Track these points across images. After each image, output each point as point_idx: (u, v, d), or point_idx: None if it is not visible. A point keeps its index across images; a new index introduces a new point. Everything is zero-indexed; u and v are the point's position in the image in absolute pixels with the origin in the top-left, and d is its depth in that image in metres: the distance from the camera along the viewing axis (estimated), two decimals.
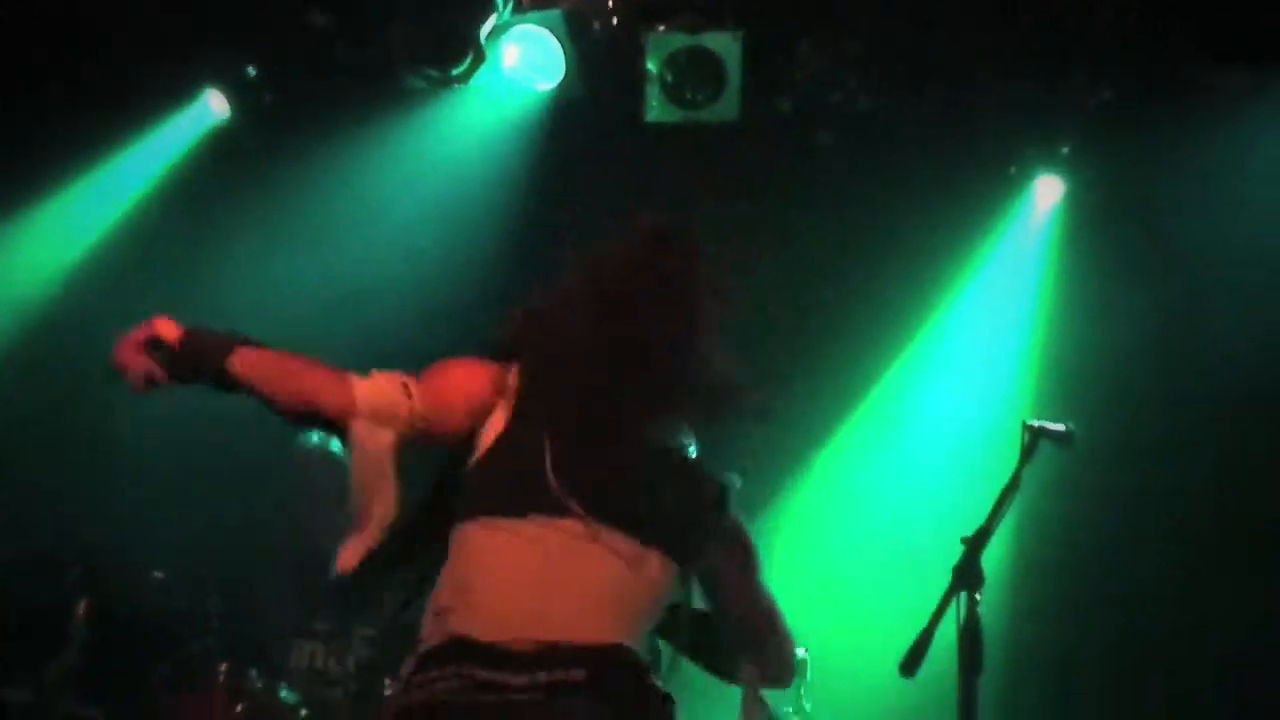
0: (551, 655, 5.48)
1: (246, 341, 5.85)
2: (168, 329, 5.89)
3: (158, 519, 9.36)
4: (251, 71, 10.27)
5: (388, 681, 8.80)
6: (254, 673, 8.73)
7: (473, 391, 5.90)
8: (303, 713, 8.69)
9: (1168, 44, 9.37)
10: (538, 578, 5.54)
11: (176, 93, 10.39)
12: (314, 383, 5.95)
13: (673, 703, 5.70)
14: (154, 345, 5.88)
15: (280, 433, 9.15)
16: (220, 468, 9.63)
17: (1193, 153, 9.48)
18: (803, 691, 9.38)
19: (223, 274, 10.05)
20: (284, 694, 8.72)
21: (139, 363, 5.84)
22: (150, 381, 5.86)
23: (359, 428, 5.87)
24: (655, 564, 5.50)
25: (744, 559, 5.70)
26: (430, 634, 5.64)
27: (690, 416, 5.80)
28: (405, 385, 5.99)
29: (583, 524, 5.49)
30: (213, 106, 10.36)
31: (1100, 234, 9.93)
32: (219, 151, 10.40)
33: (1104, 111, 9.54)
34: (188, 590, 9.04)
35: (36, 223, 10.36)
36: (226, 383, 5.84)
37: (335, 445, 9.18)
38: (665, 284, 5.84)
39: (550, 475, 5.55)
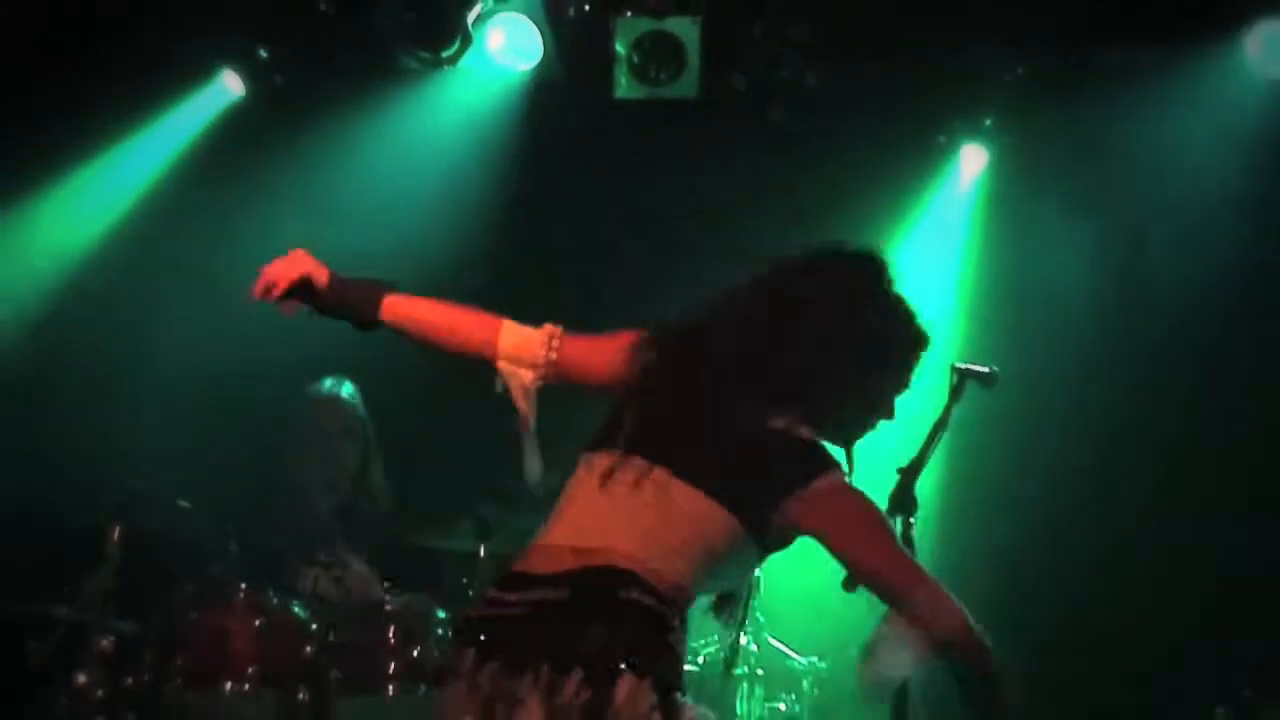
0: (557, 577, 5.52)
1: (393, 288, 6.12)
2: (315, 269, 6.17)
3: (184, 455, 9.35)
4: (264, 54, 10.23)
5: (389, 601, 8.84)
6: (270, 591, 8.73)
7: (616, 362, 5.98)
8: (312, 627, 8.67)
9: (1078, 23, 9.38)
10: (586, 501, 5.62)
11: (195, 73, 10.36)
12: (463, 331, 6.14)
13: (661, 639, 5.48)
14: (301, 282, 6.09)
15: (293, 379, 9.16)
16: (240, 411, 9.66)
17: (1104, 124, 9.54)
18: (756, 609, 9.40)
19: (238, 236, 10.00)
20: (297, 610, 8.72)
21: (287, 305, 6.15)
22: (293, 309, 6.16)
23: (501, 366, 6.14)
24: (703, 505, 5.45)
25: (848, 524, 5.45)
26: None
27: (807, 415, 5.60)
28: (551, 339, 6.13)
29: (645, 462, 5.53)
30: (228, 86, 10.33)
31: (1020, 197, 9.98)
32: (234, 126, 10.37)
33: (1022, 86, 9.58)
34: (210, 519, 9.03)
35: (72, 192, 10.33)
36: (371, 324, 6.15)
37: (344, 390, 9.19)
38: (800, 306, 5.77)
39: (631, 423, 5.65)
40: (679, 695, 5.45)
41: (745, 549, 5.58)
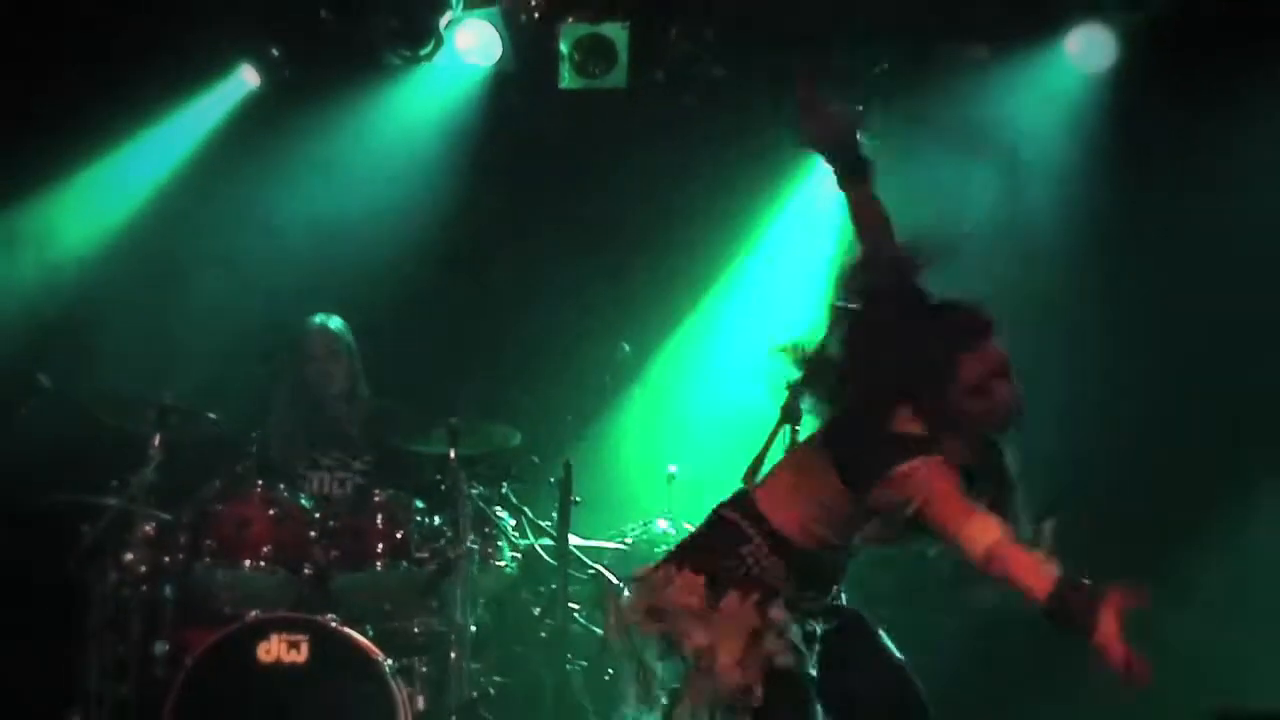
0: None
1: None
2: None
3: (213, 376, 9.36)
4: (275, 51, 10.23)
5: (377, 493, 8.91)
6: (282, 487, 8.86)
7: None
8: (315, 515, 8.79)
9: (927, 26, 9.46)
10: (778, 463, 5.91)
11: (217, 67, 10.30)
12: None
13: (731, 549, 5.67)
14: None
15: (302, 310, 9.21)
16: (258, 339, 9.57)
17: (950, 106, 9.61)
18: (675, 498, 9.46)
19: (254, 208, 10.14)
20: (303, 502, 8.87)
21: None
22: None
23: None
24: (832, 477, 5.49)
25: (924, 507, 5.33)
26: None
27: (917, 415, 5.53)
28: None
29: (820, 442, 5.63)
30: (246, 78, 10.32)
31: (887, 178, 9.99)
32: (250, 113, 10.34)
33: (882, 78, 9.60)
34: (233, 429, 9.12)
35: (113, 168, 10.31)
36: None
37: (333, 323, 9.31)
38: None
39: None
40: (732, 591, 5.57)
41: (857, 511, 5.57)
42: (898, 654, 5.86)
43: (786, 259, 10.09)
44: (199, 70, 10.27)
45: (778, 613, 5.60)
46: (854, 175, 6.22)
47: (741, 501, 5.80)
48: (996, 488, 5.62)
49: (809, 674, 5.67)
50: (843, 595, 6.00)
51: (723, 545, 5.72)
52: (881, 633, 5.92)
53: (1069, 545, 5.18)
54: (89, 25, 9.83)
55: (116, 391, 9.15)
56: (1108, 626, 4.91)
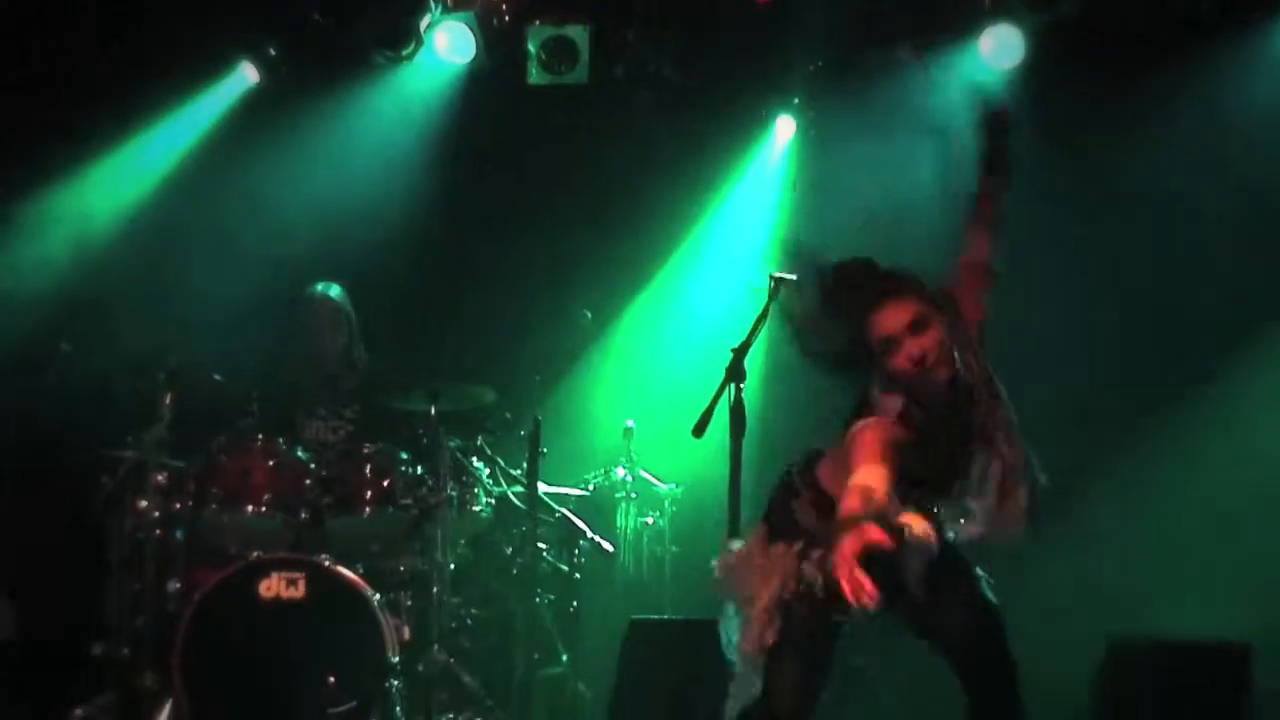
0: None
1: None
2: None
3: (218, 339, 9.33)
4: (273, 51, 10.21)
5: (366, 446, 8.94)
6: (280, 440, 8.85)
7: None
8: (311, 466, 8.80)
9: (857, 27, 9.47)
10: None
11: (220, 65, 10.26)
12: None
13: (785, 503, 5.61)
14: None
15: (298, 282, 9.23)
16: (260, 305, 9.60)
17: (876, 103, 9.61)
18: (631, 449, 9.50)
19: (253, 194, 10.12)
20: (300, 453, 8.86)
21: None
22: None
23: None
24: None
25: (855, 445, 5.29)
26: None
27: None
28: None
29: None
30: (246, 75, 10.28)
31: (817, 156, 10.01)
32: (250, 106, 10.32)
33: (819, 75, 9.63)
34: (237, 388, 9.13)
35: (125, 158, 10.28)
36: None
37: (333, 291, 9.34)
38: None
39: None
40: (781, 541, 5.52)
41: None
42: (992, 600, 5.73)
43: (730, 238, 10.14)
44: (205, 67, 10.24)
45: (811, 567, 5.48)
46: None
47: (806, 460, 5.72)
48: (948, 449, 5.52)
49: (830, 627, 5.59)
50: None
51: (781, 499, 5.67)
52: (981, 575, 5.78)
53: None
54: (109, 28, 9.79)
55: (130, 355, 9.16)
56: (846, 548, 4.83)
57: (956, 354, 5.47)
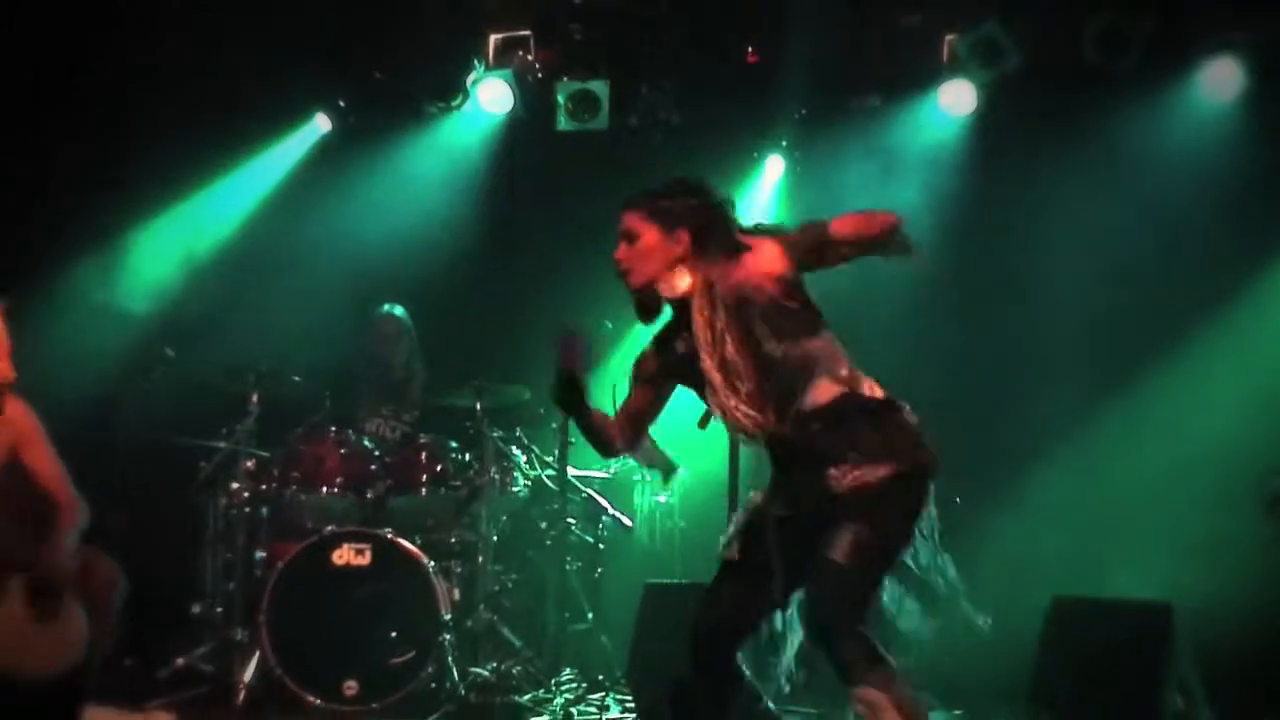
0: None
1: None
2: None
3: (298, 348, 9.31)
4: (341, 103, 10.22)
5: (421, 437, 8.97)
6: (350, 432, 8.88)
7: None
8: (376, 453, 8.82)
9: (835, 81, 9.42)
10: None
11: (298, 115, 10.27)
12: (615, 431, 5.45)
13: None
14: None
15: (367, 303, 9.24)
16: (333, 319, 9.62)
17: (853, 144, 9.53)
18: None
19: (327, 224, 10.10)
20: (366, 443, 8.88)
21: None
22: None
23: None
24: None
25: None
26: None
27: None
28: None
29: None
30: (320, 124, 10.30)
31: (801, 192, 9.95)
32: (324, 150, 10.34)
33: (804, 121, 9.59)
34: (313, 388, 9.10)
35: (221, 193, 10.26)
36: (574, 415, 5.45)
37: (397, 310, 9.36)
38: None
39: None
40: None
41: None
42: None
43: None
44: (285, 117, 10.25)
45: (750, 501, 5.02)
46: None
47: None
48: None
49: (729, 560, 5.02)
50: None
51: None
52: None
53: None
54: (210, 85, 9.76)
55: (224, 361, 9.14)
56: None
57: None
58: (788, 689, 5.19)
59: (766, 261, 4.76)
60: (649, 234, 5.21)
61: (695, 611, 5.09)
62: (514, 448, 9.11)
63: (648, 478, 9.53)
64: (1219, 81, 8.67)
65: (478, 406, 8.89)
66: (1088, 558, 8.18)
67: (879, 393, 4.89)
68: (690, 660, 5.05)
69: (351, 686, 8.14)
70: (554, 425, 8.98)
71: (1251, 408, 8.27)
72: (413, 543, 8.38)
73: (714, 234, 5.01)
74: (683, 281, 5.09)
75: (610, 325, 9.56)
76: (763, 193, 10.12)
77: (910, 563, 4.94)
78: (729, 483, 7.76)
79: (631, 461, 9.46)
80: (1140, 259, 8.71)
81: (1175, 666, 7.06)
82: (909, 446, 4.82)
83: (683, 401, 5.62)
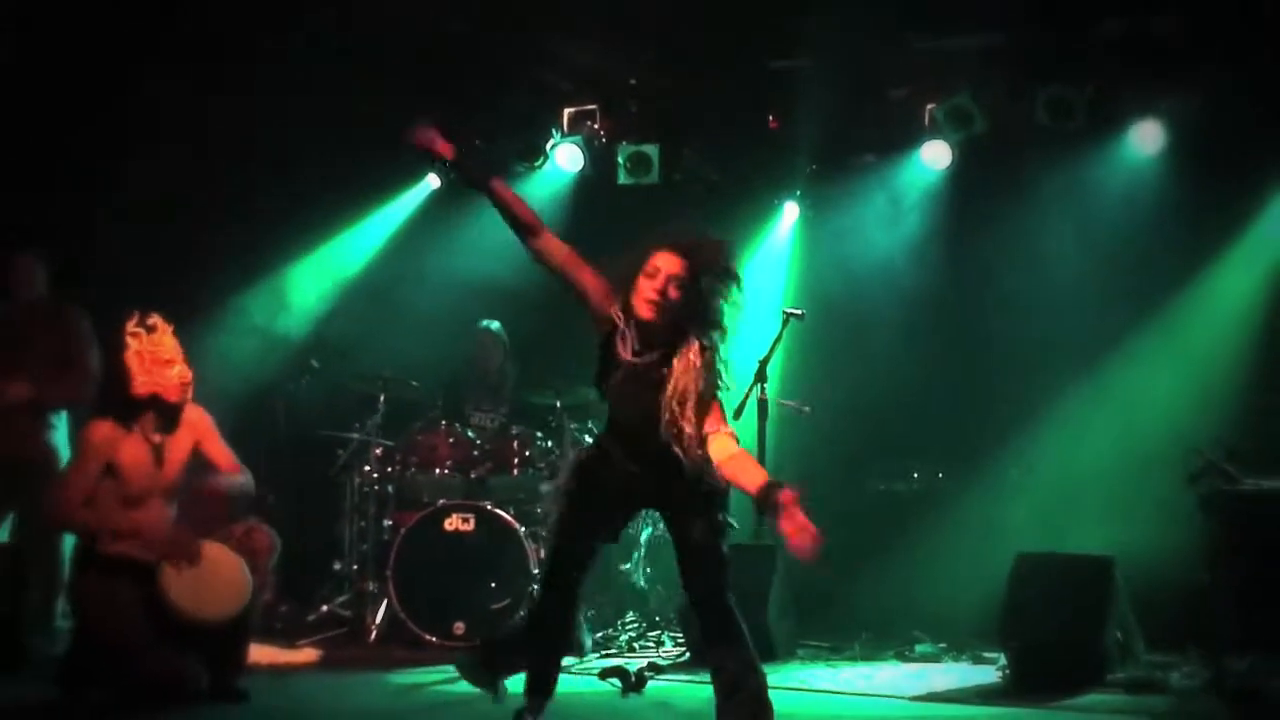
0: None
1: (500, 178, 5.37)
2: (446, 148, 5.34)
3: (415, 358, 9.35)
4: (445, 164, 10.15)
5: (514, 429, 8.91)
6: (457, 425, 8.88)
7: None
8: (477, 442, 8.79)
9: (838, 143, 9.38)
10: None
11: (414, 175, 10.25)
12: (531, 214, 5.45)
13: None
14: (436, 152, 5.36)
15: (470, 320, 9.21)
16: (442, 335, 9.58)
17: (855, 192, 9.46)
18: None
19: (438, 258, 10.08)
20: (469, 434, 8.85)
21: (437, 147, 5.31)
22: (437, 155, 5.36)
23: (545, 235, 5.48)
24: None
25: None
26: None
27: None
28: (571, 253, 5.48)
29: None
30: (430, 182, 10.25)
31: (811, 232, 9.89)
32: (434, 202, 10.31)
33: (814, 175, 9.54)
34: (428, 390, 9.15)
35: (349, 241, 10.27)
36: (480, 187, 5.37)
37: (493, 325, 9.31)
38: None
39: None
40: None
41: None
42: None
43: (753, 286, 10.00)
44: (403, 177, 10.24)
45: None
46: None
47: None
48: None
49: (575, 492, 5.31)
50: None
51: None
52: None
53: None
54: (351, 153, 9.72)
55: (357, 370, 9.17)
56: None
57: None
58: None
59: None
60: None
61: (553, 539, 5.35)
62: (586, 436, 9.05)
63: None
64: (1145, 138, 8.65)
65: (557, 404, 8.92)
66: (1046, 521, 8.11)
67: None
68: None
69: (459, 627, 8.17)
70: None
71: (1181, 397, 8.23)
72: (507, 513, 8.38)
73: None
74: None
75: None
76: (781, 233, 10.04)
77: None
78: (758, 458, 7.71)
79: None
80: (1087, 278, 8.70)
81: (1115, 607, 7.05)
82: None
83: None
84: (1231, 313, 8.42)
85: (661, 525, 9.26)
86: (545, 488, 8.63)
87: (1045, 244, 8.83)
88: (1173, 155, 8.59)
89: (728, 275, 5.17)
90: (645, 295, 5.16)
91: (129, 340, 6.30)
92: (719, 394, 5.06)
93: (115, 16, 8.96)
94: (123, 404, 6.30)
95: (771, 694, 5.04)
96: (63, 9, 9.00)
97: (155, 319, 6.36)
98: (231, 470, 6.49)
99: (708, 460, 4.96)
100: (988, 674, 7.25)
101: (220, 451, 6.51)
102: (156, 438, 6.32)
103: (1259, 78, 8.07)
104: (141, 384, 6.27)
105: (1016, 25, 8.57)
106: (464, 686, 6.40)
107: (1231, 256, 8.50)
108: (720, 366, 5.10)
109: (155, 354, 6.29)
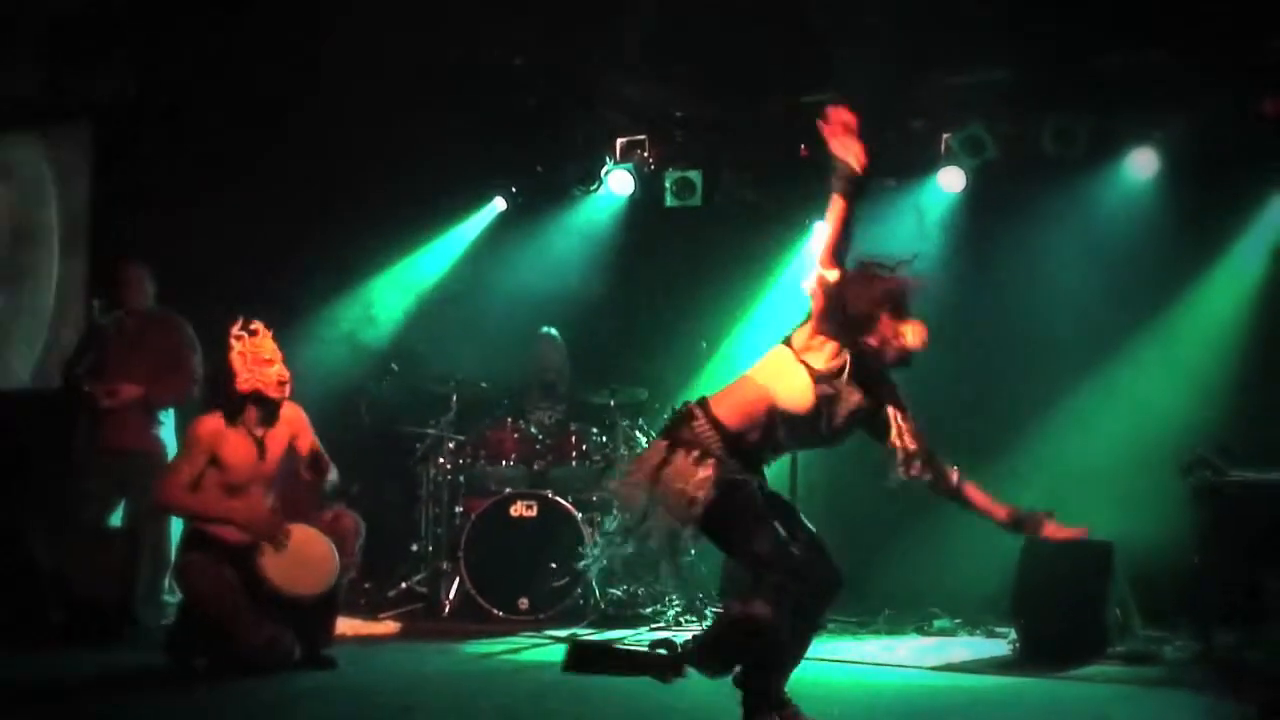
0: None
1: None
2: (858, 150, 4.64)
3: (484, 362, 9.37)
4: (513, 189, 10.21)
5: (571, 425, 8.91)
6: (521, 421, 8.90)
7: None
8: (540, 437, 8.81)
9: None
10: None
11: (483, 198, 10.22)
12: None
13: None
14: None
15: (533, 328, 9.21)
16: (509, 341, 9.54)
17: (877, 216, 9.26)
18: None
19: (503, 274, 10.09)
20: (533, 429, 8.87)
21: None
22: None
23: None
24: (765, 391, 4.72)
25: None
26: None
27: None
28: None
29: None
30: (497, 204, 10.24)
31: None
32: (501, 223, 10.29)
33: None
34: (496, 391, 9.19)
35: (427, 256, 10.28)
36: (855, 198, 4.74)
37: (553, 332, 9.25)
38: None
39: None
40: (681, 450, 4.63)
41: (772, 420, 4.66)
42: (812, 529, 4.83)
43: (787, 294, 9.96)
44: (473, 199, 10.23)
45: (706, 470, 4.56)
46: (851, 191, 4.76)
47: (701, 399, 4.81)
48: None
49: (748, 480, 4.65)
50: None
51: (679, 422, 4.75)
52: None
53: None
54: (426, 179, 9.83)
55: (432, 373, 9.22)
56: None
57: None
58: None
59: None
60: None
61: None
62: (636, 432, 9.05)
63: None
64: (1142, 164, 8.58)
65: (611, 403, 8.90)
66: (1051, 508, 8.00)
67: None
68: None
69: (524, 602, 8.21)
70: (665, 417, 8.89)
71: (1175, 398, 8.17)
72: (566, 500, 8.41)
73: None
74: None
75: (705, 344, 9.58)
76: (809, 256, 9.86)
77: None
78: (789, 459, 7.67)
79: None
80: (1089, 288, 8.62)
81: (1115, 588, 7.03)
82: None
83: None
84: (1220, 321, 8.35)
85: None
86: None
87: (1051, 258, 8.76)
88: (1166, 179, 8.53)
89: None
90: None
91: (233, 342, 6.39)
92: None
93: (217, 54, 9.09)
94: (227, 400, 6.37)
95: (802, 664, 4.97)
96: (173, 51, 9.15)
97: (256, 324, 6.45)
98: (321, 465, 6.54)
99: None
100: (1000, 647, 7.22)
101: (313, 446, 6.56)
102: (259, 431, 6.39)
103: (1241, 111, 8.02)
104: (244, 381, 6.35)
105: (1023, 63, 8.53)
106: (528, 655, 6.42)
107: (1219, 270, 8.43)
108: None
109: (256, 354, 6.37)
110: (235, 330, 6.41)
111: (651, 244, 10.02)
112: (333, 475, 6.55)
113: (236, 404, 6.36)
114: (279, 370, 6.41)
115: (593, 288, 9.95)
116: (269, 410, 6.42)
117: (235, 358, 6.36)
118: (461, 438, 8.94)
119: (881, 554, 8.37)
